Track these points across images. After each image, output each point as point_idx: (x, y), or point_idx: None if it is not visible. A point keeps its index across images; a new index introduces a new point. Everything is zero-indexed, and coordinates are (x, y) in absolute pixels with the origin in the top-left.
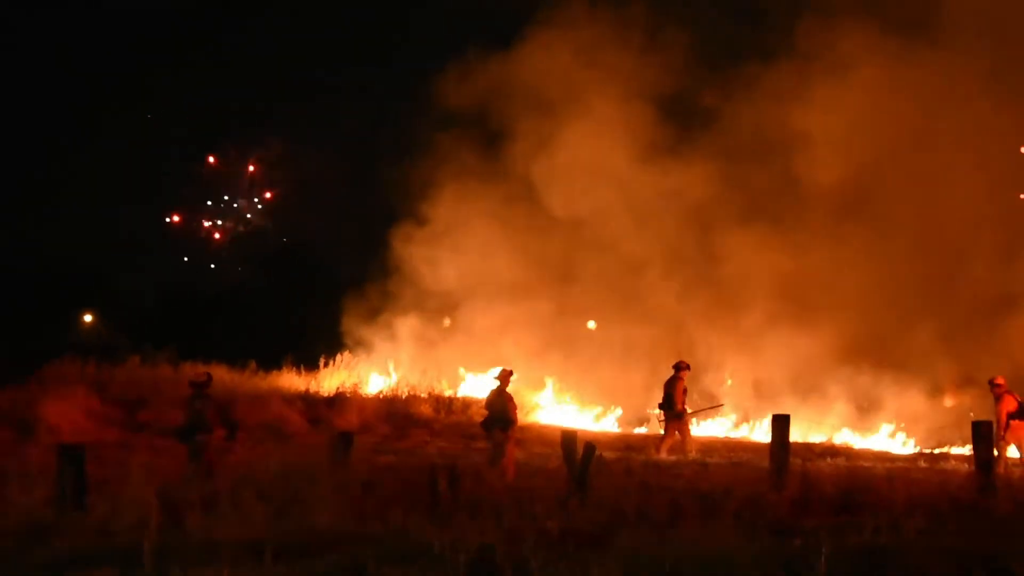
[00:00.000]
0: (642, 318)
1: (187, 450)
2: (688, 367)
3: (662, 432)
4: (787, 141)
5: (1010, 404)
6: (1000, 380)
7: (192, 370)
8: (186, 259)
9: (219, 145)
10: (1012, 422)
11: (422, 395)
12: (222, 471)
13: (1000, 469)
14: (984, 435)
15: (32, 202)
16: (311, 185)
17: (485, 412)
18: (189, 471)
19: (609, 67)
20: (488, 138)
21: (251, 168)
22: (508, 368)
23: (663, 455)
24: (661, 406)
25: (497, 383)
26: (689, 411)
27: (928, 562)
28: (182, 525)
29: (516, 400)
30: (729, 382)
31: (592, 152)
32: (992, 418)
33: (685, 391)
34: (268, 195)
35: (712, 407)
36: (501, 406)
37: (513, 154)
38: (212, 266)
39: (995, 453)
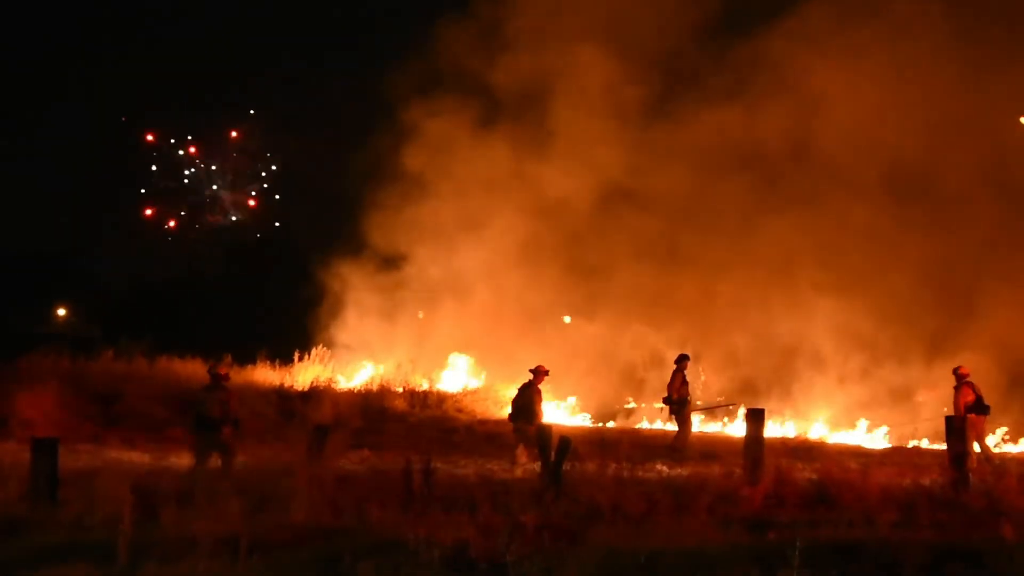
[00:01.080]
0: (620, 310)
1: (197, 442)
2: (688, 358)
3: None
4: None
5: (968, 395)
6: (964, 371)
7: (167, 364)
8: (156, 245)
9: (197, 130)
10: (969, 415)
11: (397, 389)
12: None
13: (972, 463)
14: (957, 429)
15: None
16: (289, 174)
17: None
18: (201, 464)
19: (613, 27)
20: (469, 114)
21: (232, 151)
22: (543, 366)
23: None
24: (665, 400)
25: (530, 377)
26: (700, 404)
27: (902, 555)
28: (157, 519)
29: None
30: (703, 378)
31: (587, 124)
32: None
33: (684, 383)
34: (252, 199)
35: (720, 405)
36: (529, 400)
37: (499, 133)
38: (184, 257)
39: (976, 448)
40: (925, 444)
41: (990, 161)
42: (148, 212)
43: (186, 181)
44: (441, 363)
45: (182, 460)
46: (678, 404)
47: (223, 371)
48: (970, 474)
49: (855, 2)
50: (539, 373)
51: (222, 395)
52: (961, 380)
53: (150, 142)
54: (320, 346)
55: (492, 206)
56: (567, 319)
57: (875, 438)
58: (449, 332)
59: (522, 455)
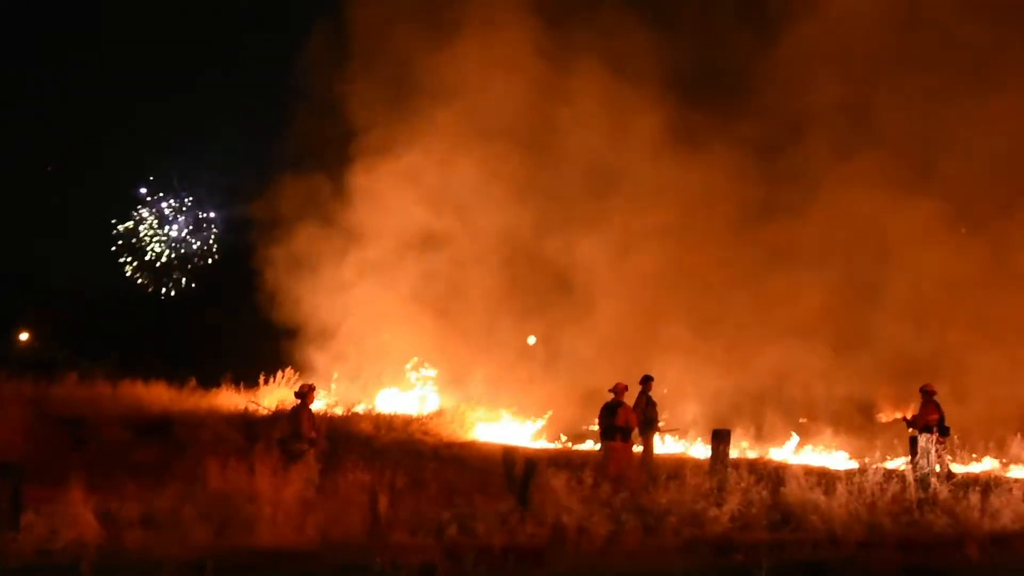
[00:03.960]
0: (587, 328)
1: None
2: (652, 379)
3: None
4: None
5: (932, 414)
6: (931, 388)
7: (131, 388)
8: (126, 267)
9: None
10: (931, 435)
11: (361, 412)
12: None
13: (935, 483)
14: (923, 448)
15: None
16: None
17: (427, 430)
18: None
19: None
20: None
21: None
22: (623, 382)
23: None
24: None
25: (612, 395)
26: (662, 426)
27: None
28: (122, 543)
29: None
30: (664, 390)
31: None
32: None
33: (650, 404)
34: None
35: (672, 429)
36: (621, 417)
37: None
38: (147, 283)
39: (936, 467)
40: (889, 464)
41: None
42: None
43: (154, 199)
44: (396, 382)
45: (145, 484)
46: (644, 425)
47: (308, 390)
48: (934, 494)
49: None
50: (620, 391)
51: (307, 414)
52: (928, 397)
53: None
54: (287, 368)
55: (459, 216)
56: (532, 340)
57: (838, 458)
58: (405, 348)
59: (613, 470)
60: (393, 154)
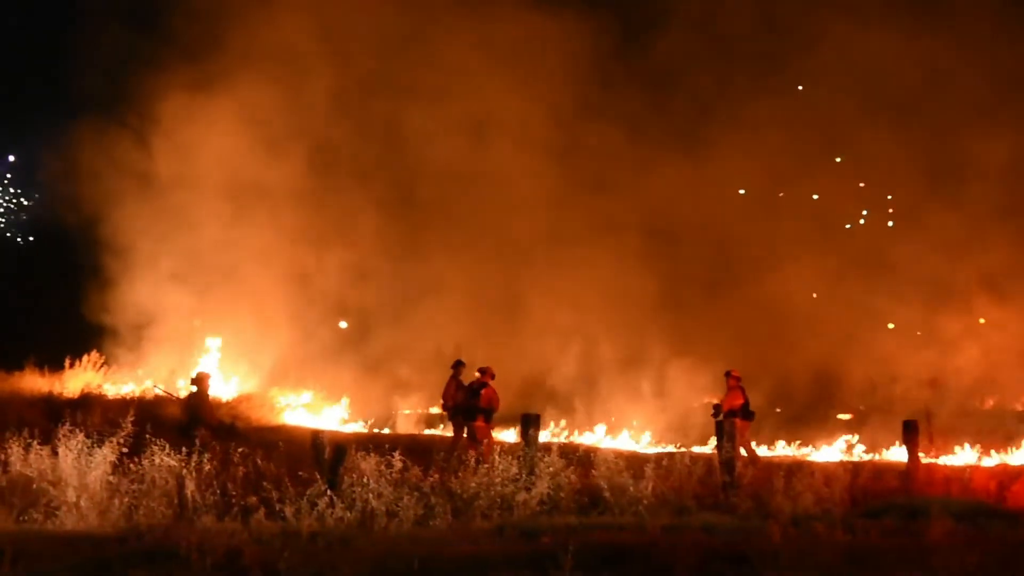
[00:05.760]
0: (398, 312)
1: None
2: (463, 364)
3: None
4: None
5: (736, 399)
6: (736, 374)
7: None
8: None
9: None
10: (735, 420)
11: (172, 396)
12: None
13: (739, 466)
14: (727, 433)
15: None
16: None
17: (237, 414)
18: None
19: None
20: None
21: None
22: (491, 367)
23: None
24: (444, 407)
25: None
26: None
27: (672, 558)
28: None
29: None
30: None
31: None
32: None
33: (460, 388)
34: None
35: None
36: (488, 398)
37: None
38: None
39: (742, 451)
40: (696, 448)
41: None
42: None
43: None
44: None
45: None
46: (454, 410)
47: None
48: (739, 477)
49: None
50: (486, 373)
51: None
52: (735, 383)
53: None
54: (92, 352)
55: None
56: (343, 324)
57: (646, 443)
58: (213, 330)
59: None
60: (188, 118)
